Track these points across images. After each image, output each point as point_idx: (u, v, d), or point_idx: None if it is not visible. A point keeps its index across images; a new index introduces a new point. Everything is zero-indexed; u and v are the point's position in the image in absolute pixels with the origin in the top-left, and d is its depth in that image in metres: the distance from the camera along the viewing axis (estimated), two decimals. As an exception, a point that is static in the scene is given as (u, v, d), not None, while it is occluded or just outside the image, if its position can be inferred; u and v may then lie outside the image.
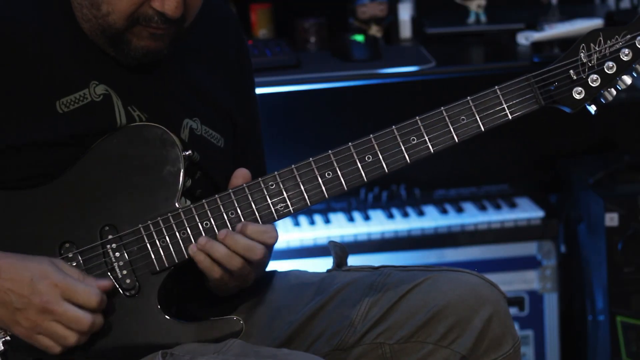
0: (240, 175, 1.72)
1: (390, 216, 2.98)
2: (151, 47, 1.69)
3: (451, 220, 2.97)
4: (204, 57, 1.85)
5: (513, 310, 2.96)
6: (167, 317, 1.69)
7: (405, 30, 3.17)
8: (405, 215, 2.98)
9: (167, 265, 1.69)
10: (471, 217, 2.98)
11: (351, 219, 2.98)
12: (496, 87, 1.72)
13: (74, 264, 1.68)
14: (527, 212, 2.99)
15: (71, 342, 1.62)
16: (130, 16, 1.65)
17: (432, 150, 1.70)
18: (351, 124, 3.08)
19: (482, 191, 3.10)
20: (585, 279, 2.97)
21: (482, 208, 3.00)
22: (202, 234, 1.68)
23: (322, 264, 2.02)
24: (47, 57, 1.69)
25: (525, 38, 3.01)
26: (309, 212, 3.00)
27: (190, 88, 1.81)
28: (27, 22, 1.70)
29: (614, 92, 1.73)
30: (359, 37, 2.96)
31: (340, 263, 1.92)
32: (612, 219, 2.84)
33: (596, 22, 3.02)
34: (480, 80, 2.95)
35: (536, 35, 2.99)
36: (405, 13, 3.16)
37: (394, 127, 1.70)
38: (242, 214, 1.69)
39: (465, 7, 3.16)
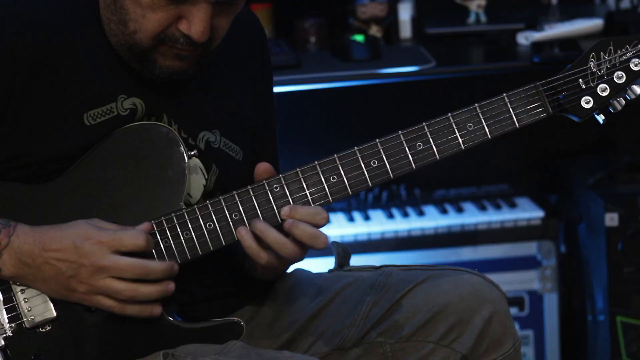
0: (263, 170, 1.70)
1: (390, 216, 2.98)
2: (176, 67, 1.67)
3: (451, 220, 2.96)
4: (230, 66, 1.84)
5: (513, 310, 2.96)
6: (168, 318, 1.68)
7: (405, 30, 3.16)
8: (405, 215, 2.98)
9: None
10: (471, 217, 2.98)
11: (351, 219, 2.98)
12: (504, 94, 1.70)
13: None
14: (527, 212, 2.99)
15: (127, 294, 1.60)
16: (157, 36, 1.64)
17: (438, 157, 1.69)
18: (351, 124, 3.07)
19: (482, 191, 3.10)
20: (585, 279, 2.97)
21: (482, 208, 3.00)
22: (204, 235, 1.67)
23: (323, 264, 2.02)
24: (79, 67, 1.68)
25: (525, 38, 3.01)
26: (309, 212, 3.00)
27: (213, 99, 1.80)
28: (62, 29, 1.68)
29: (623, 101, 1.72)
30: (359, 37, 2.96)
31: (342, 263, 1.92)
32: (612, 219, 2.84)
33: (596, 22, 3.02)
34: (480, 80, 2.96)
35: (536, 35, 2.99)
36: (405, 13, 3.16)
37: (400, 132, 1.69)
38: (245, 216, 1.67)
39: (465, 7, 3.16)
